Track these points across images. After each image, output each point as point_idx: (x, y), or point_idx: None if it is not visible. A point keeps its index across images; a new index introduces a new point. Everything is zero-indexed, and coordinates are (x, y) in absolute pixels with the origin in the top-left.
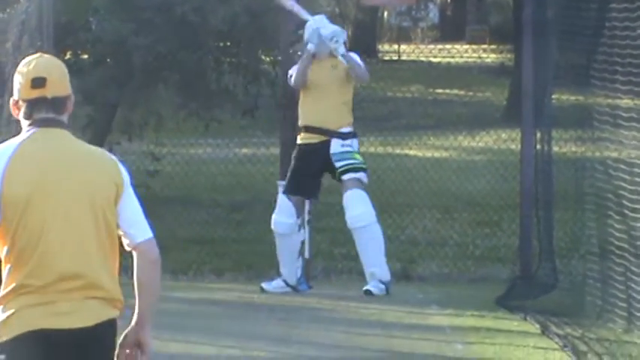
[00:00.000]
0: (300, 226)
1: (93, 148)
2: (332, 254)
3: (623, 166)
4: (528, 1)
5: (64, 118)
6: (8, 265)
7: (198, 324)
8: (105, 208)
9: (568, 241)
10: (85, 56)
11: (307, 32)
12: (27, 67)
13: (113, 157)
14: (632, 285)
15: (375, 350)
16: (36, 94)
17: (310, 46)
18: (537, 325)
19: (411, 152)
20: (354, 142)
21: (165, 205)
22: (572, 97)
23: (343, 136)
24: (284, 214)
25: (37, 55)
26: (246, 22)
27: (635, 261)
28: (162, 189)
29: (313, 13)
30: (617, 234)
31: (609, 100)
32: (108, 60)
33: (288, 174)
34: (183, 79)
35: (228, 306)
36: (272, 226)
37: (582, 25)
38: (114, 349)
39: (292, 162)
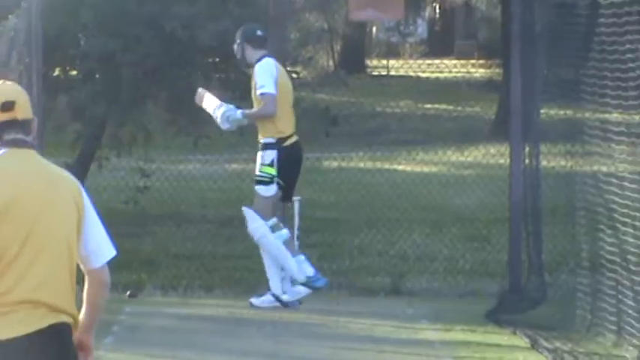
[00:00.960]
0: (273, 228)
1: (58, 169)
2: (321, 269)
3: (613, 180)
4: (516, 16)
5: (31, 139)
6: None
7: (188, 340)
8: (68, 226)
9: (557, 255)
10: (74, 72)
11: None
12: None
13: (75, 179)
14: (623, 298)
15: None
16: (6, 116)
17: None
18: (527, 339)
19: (400, 167)
20: (266, 153)
21: (155, 221)
22: (561, 112)
23: (261, 147)
24: (249, 221)
25: (0, 81)
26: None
27: (625, 274)
28: (152, 205)
29: (305, 28)
30: (608, 247)
31: (599, 115)
32: (96, 76)
33: None
34: (172, 95)
35: (217, 322)
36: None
37: (571, 39)
38: (71, 350)
39: None
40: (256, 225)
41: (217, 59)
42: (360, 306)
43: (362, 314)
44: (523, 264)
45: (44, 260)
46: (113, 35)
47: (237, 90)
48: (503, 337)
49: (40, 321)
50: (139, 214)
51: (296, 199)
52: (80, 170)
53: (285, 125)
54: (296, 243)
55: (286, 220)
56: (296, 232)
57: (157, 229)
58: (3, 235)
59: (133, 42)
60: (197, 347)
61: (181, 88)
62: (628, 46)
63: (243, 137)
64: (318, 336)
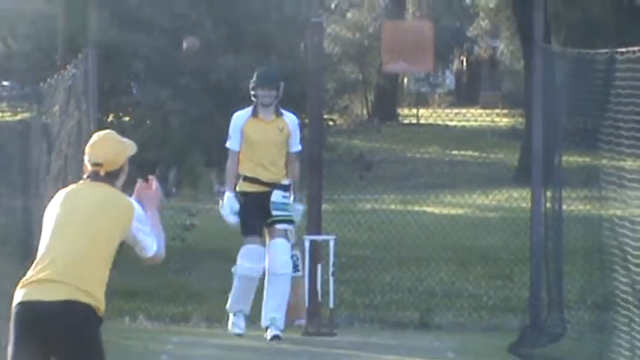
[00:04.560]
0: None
1: (118, 192)
2: (355, 304)
3: (627, 224)
4: (538, 69)
5: (110, 180)
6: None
7: None
8: (110, 230)
9: (576, 293)
10: (127, 118)
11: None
12: (91, 148)
13: (131, 200)
14: (636, 335)
15: None
16: (94, 169)
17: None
18: None
19: (429, 209)
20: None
21: (200, 257)
22: (580, 159)
23: (284, 188)
24: (255, 260)
25: (102, 135)
26: None
27: (638, 312)
28: (197, 242)
29: (341, 79)
30: (622, 287)
31: (614, 162)
32: (147, 122)
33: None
34: (217, 140)
35: (258, 352)
36: (245, 272)
37: (589, 91)
38: (83, 331)
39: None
40: (290, 261)
41: None
42: (391, 339)
43: (392, 347)
44: (543, 301)
45: (81, 250)
46: (163, 85)
47: None
48: None
49: (64, 294)
50: (185, 250)
51: (331, 237)
52: None
53: None
54: (331, 279)
55: (322, 258)
56: (331, 268)
57: (202, 264)
58: (54, 235)
59: (181, 91)
60: None
61: (225, 134)
62: None
63: None
64: None
